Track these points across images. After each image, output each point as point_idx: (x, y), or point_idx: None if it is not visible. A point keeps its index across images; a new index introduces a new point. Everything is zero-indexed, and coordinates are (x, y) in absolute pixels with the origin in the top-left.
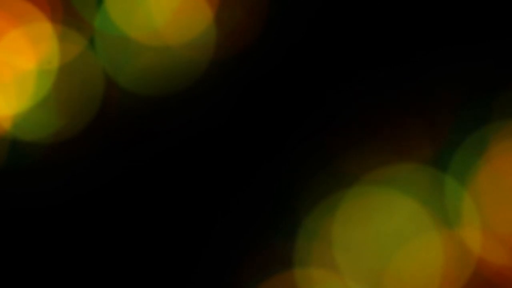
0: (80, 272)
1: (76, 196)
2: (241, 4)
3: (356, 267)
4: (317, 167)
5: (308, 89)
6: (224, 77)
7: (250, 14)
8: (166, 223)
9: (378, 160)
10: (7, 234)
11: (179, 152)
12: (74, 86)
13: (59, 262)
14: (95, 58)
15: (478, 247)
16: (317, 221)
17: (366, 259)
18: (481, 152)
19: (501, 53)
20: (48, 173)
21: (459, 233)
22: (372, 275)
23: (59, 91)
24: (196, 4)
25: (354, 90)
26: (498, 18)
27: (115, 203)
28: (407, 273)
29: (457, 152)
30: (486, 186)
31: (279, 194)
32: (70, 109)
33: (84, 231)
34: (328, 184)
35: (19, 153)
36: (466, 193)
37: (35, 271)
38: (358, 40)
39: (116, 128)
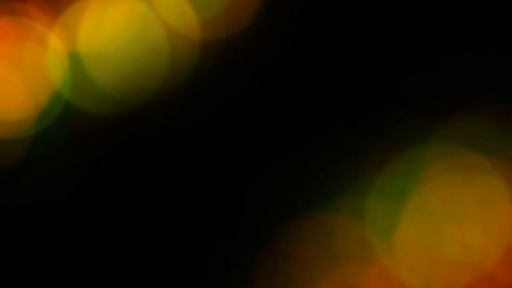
0: (76, 273)
1: (73, 196)
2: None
3: (348, 270)
4: (315, 167)
5: (306, 90)
6: (223, 77)
7: (245, 13)
8: (163, 225)
9: (375, 160)
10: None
11: (174, 154)
12: (74, 89)
13: (57, 263)
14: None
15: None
16: (312, 224)
17: (358, 263)
18: (479, 151)
19: (500, 54)
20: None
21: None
22: (362, 278)
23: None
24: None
25: (351, 91)
26: (497, 19)
27: (114, 204)
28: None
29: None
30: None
31: (277, 195)
32: (69, 112)
33: (81, 233)
34: (325, 186)
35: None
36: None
37: (32, 272)
38: (357, 39)
39: (113, 128)
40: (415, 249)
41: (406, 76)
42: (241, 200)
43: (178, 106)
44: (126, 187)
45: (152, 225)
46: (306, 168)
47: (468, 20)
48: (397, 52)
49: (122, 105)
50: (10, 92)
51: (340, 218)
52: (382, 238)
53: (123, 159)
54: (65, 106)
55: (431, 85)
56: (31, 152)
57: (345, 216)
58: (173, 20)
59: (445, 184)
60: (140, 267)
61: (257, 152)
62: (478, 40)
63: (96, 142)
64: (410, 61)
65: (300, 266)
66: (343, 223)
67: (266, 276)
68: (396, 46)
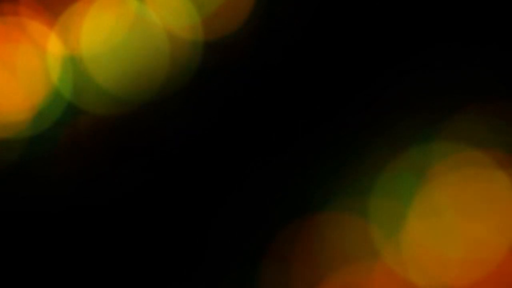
0: (77, 273)
1: (68, 196)
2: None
3: (353, 269)
4: (317, 167)
5: (306, 89)
6: (223, 77)
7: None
8: (164, 225)
9: (378, 159)
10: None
11: (174, 154)
12: (74, 92)
13: (57, 263)
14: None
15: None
16: (316, 224)
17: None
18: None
19: (500, 53)
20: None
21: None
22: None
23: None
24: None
25: (351, 91)
26: (497, 19)
27: (115, 204)
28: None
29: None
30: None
31: (276, 195)
32: (69, 112)
33: (81, 233)
34: (328, 185)
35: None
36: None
37: (32, 272)
38: (357, 39)
39: (113, 128)
40: (420, 247)
41: (406, 76)
42: (241, 200)
43: (178, 106)
44: (126, 187)
45: (153, 225)
46: (309, 168)
47: (468, 20)
48: (397, 52)
49: (122, 105)
50: (11, 93)
51: (344, 217)
52: (386, 237)
53: (123, 159)
54: (65, 106)
55: (431, 85)
56: (32, 153)
57: (349, 215)
58: (172, 20)
59: (449, 182)
60: (141, 267)
61: (257, 152)
62: (478, 40)
63: (96, 142)
64: (410, 61)
65: (304, 266)
66: (348, 222)
67: (269, 276)
68: (396, 46)
